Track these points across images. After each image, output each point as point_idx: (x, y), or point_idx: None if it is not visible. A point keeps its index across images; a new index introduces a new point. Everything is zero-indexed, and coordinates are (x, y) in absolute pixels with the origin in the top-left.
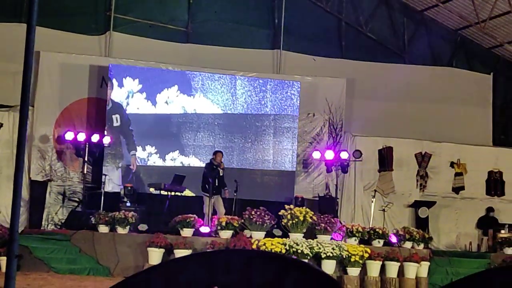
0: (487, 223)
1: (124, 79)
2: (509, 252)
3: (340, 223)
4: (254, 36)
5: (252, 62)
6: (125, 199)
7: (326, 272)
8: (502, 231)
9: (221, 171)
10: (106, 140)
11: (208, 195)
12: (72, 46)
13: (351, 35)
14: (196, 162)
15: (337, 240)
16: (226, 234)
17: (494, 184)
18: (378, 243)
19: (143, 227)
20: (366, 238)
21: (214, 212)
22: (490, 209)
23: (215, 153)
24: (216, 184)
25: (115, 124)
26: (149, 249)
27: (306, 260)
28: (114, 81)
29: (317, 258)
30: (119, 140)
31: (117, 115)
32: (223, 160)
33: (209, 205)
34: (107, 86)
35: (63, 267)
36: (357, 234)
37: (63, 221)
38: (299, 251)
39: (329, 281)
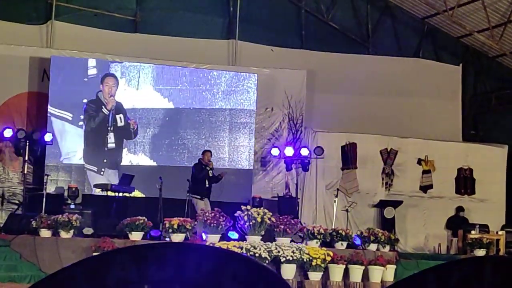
0: (457, 223)
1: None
2: (480, 254)
3: (301, 224)
4: (207, 25)
5: (205, 53)
6: (69, 201)
7: (286, 277)
8: (473, 232)
9: (210, 171)
10: (48, 137)
11: (199, 197)
12: (10, 37)
13: (312, 24)
14: (145, 160)
15: (297, 243)
16: (178, 238)
17: (464, 182)
18: (341, 246)
19: (88, 230)
20: (328, 240)
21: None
22: (460, 209)
23: (203, 152)
24: (207, 185)
25: (120, 124)
26: (95, 254)
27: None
28: (56, 73)
29: (276, 262)
30: (122, 141)
31: (121, 115)
32: (191, 160)
33: (205, 206)
34: (48, 79)
35: (2, 274)
36: (318, 236)
37: (1, 225)
38: (256, 254)
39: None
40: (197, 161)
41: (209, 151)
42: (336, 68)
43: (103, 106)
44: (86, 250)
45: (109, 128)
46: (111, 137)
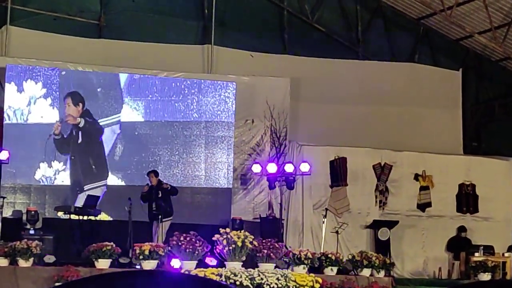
0: (459, 245)
1: (24, 82)
2: (484, 279)
3: (286, 248)
4: (180, 29)
5: (178, 59)
6: (28, 226)
7: None
8: (476, 254)
9: (160, 192)
10: (4, 155)
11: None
12: None
13: (295, 27)
14: (113, 180)
15: (282, 269)
16: (150, 265)
17: (466, 199)
18: (331, 271)
19: (50, 258)
20: (316, 265)
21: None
22: (461, 229)
23: (148, 174)
24: (154, 209)
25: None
26: (58, 285)
27: None
28: (12, 84)
29: None
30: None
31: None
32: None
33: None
34: (3, 90)
35: None
36: (306, 261)
37: None
38: (237, 282)
39: None
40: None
41: (153, 171)
42: (323, 75)
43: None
44: (48, 280)
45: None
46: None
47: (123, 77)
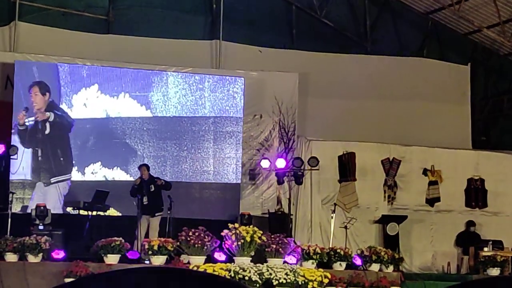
0: (468, 239)
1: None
2: (494, 273)
3: (295, 243)
4: (188, 24)
5: (186, 55)
6: (37, 222)
7: None
8: (485, 249)
9: (152, 186)
10: (13, 151)
11: (142, 215)
12: None
13: (304, 22)
14: (121, 175)
15: (291, 264)
16: (158, 260)
17: (475, 194)
18: (339, 266)
19: (59, 254)
20: (325, 260)
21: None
22: (470, 223)
23: (138, 167)
24: (146, 202)
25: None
26: (66, 280)
27: None
28: (20, 79)
29: (268, 285)
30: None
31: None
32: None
33: (139, 226)
34: (12, 86)
35: None
36: (314, 256)
37: None
38: (246, 277)
39: None
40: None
41: (145, 165)
42: (331, 69)
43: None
44: (57, 275)
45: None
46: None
47: (132, 73)
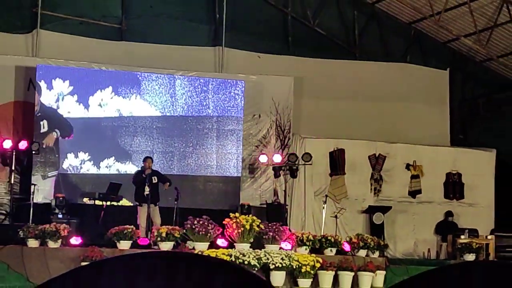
0: (446, 228)
1: (53, 80)
2: (470, 259)
3: (290, 231)
4: (193, 32)
5: (192, 60)
6: (56, 211)
7: (276, 284)
8: (462, 237)
9: (154, 178)
10: (35, 147)
11: (139, 204)
12: None
13: (298, 30)
14: (133, 169)
15: (286, 250)
16: (166, 246)
17: (453, 187)
18: (330, 252)
19: (76, 240)
20: (317, 246)
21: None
22: (448, 214)
23: (144, 159)
24: (147, 192)
25: (42, 130)
26: (83, 263)
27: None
28: (42, 83)
29: (266, 269)
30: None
31: (45, 121)
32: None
33: (143, 215)
34: (35, 88)
35: None
36: (307, 243)
37: None
38: (245, 262)
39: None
40: (140, 168)
41: (149, 157)
42: (323, 74)
43: None
44: (74, 259)
45: None
46: None
47: (143, 76)
